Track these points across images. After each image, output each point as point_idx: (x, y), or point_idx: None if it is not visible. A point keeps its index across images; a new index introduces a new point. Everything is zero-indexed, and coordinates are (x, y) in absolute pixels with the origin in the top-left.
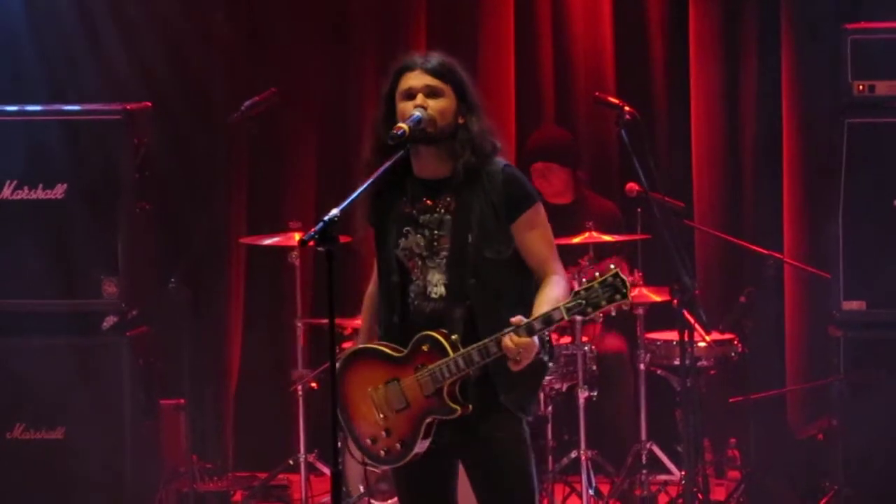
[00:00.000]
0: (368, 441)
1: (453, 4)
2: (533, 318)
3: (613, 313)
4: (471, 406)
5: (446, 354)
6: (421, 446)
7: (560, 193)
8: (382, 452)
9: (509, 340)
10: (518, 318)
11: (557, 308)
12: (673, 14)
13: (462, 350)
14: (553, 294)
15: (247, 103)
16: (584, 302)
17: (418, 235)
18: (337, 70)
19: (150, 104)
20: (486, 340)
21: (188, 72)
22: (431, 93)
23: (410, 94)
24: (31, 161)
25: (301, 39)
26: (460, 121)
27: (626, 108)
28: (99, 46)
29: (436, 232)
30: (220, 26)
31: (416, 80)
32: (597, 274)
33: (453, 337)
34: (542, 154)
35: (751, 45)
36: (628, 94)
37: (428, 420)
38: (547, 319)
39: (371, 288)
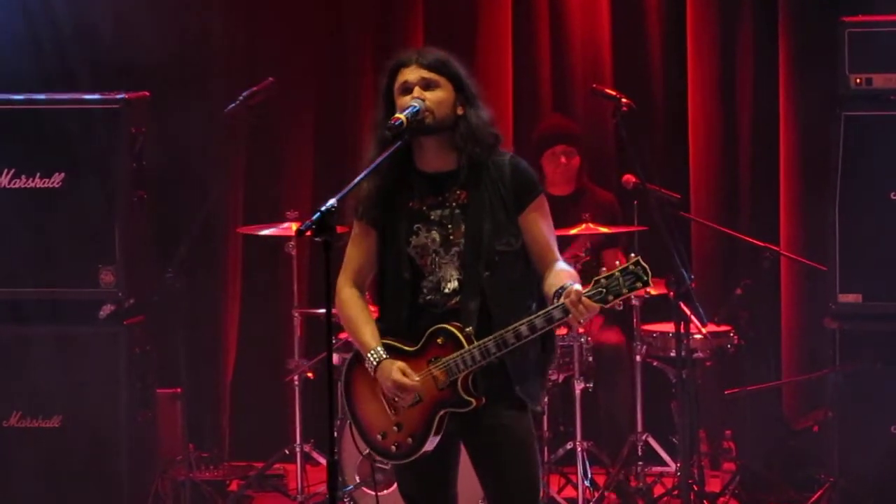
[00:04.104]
0: (378, 436)
1: None
2: (552, 307)
3: (634, 301)
4: (484, 398)
5: (461, 347)
6: (431, 443)
7: (570, 180)
8: (393, 447)
9: (575, 300)
10: (578, 289)
11: None
12: (670, 5)
13: (477, 342)
14: (566, 273)
15: (244, 93)
16: (604, 290)
17: (433, 232)
18: (334, 60)
19: (147, 93)
20: (503, 331)
21: (186, 61)
22: (427, 85)
23: (407, 88)
24: (28, 150)
25: (298, 31)
26: (459, 112)
27: (624, 100)
28: (97, 35)
29: (449, 226)
30: (217, 16)
31: (411, 74)
32: (617, 262)
33: (467, 329)
34: (565, 137)
35: (748, 37)
36: (625, 86)
37: (441, 413)
38: (565, 308)
39: (350, 289)
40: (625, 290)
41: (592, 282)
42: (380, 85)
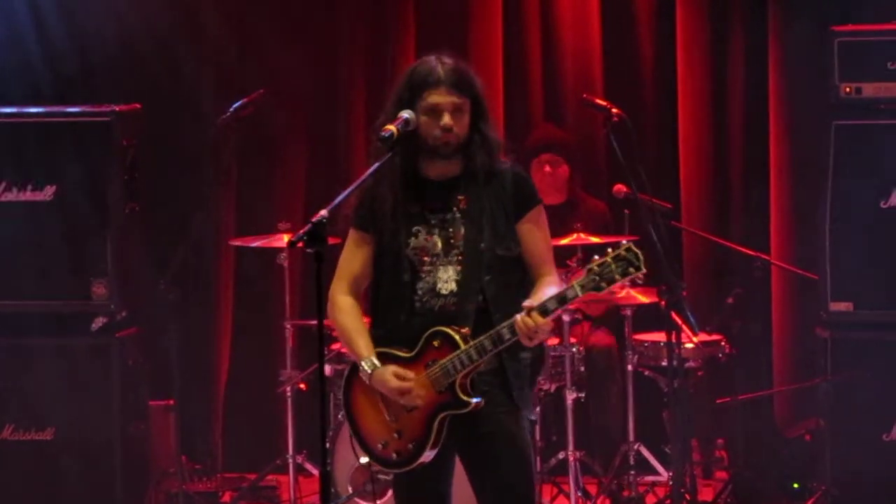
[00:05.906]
0: (379, 446)
1: (442, 6)
2: (547, 298)
3: (625, 290)
4: (483, 401)
5: (458, 348)
6: (430, 453)
7: (560, 190)
8: (394, 455)
9: (522, 321)
10: (529, 302)
11: (571, 286)
12: (660, 15)
13: (473, 341)
14: (552, 284)
15: (235, 105)
16: (597, 277)
17: (433, 235)
18: (326, 71)
19: (139, 106)
20: (498, 327)
21: (177, 73)
22: (456, 110)
23: (436, 112)
24: (20, 163)
25: (290, 40)
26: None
27: (614, 110)
28: (89, 47)
29: (450, 230)
30: (208, 27)
31: (442, 98)
32: (609, 250)
33: (463, 330)
34: (552, 146)
35: (738, 47)
36: (616, 96)
37: (441, 416)
38: (561, 298)
39: (346, 297)
40: (618, 277)
41: (585, 270)
42: (397, 89)
